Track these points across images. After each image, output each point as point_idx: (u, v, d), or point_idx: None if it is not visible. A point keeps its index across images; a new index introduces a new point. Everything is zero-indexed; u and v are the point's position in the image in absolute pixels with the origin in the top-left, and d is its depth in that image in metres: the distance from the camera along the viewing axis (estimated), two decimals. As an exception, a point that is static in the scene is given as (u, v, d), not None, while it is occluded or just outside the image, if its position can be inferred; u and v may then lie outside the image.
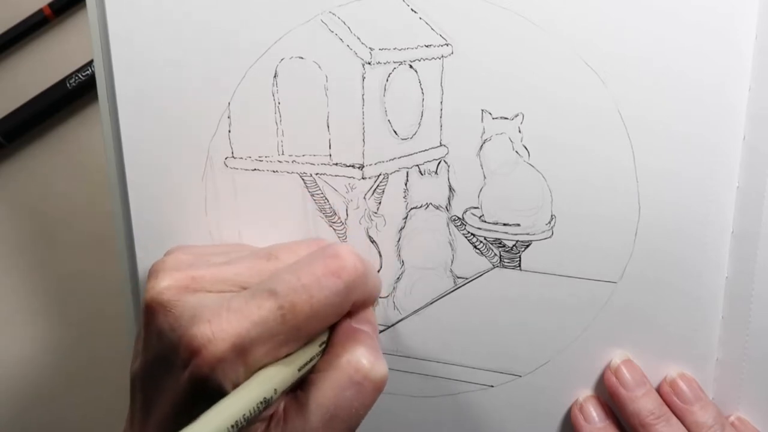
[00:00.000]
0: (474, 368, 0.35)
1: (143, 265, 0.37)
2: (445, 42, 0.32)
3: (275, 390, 0.26)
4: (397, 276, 0.35)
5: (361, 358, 0.27)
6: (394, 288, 0.35)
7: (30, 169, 0.50)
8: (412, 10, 0.32)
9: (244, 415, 0.25)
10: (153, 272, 0.29)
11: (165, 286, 0.28)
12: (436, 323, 0.35)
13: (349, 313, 0.29)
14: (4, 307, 0.51)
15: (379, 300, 0.34)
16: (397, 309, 0.35)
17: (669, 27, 0.30)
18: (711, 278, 0.32)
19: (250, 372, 0.26)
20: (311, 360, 0.28)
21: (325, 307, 0.26)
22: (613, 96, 0.31)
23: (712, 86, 0.30)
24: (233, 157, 0.35)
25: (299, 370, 0.27)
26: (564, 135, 0.32)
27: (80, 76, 0.48)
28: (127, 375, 0.30)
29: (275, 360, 0.26)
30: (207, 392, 0.25)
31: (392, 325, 0.36)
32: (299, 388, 0.28)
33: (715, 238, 0.32)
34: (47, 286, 0.51)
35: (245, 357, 0.25)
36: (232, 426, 0.24)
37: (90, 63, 0.48)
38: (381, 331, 0.36)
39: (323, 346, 0.28)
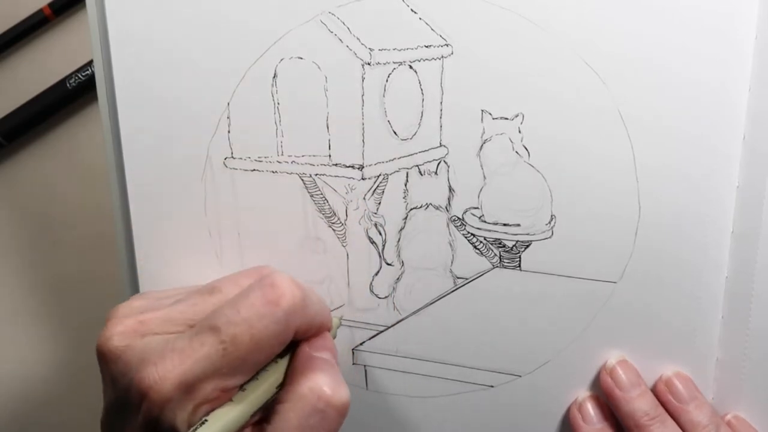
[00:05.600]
0: (474, 368, 0.35)
1: (143, 265, 0.37)
2: (444, 42, 0.32)
3: None
4: (397, 276, 0.35)
5: (322, 386, 0.27)
6: (394, 288, 0.35)
7: (30, 169, 0.50)
8: (411, 10, 0.32)
9: None
10: (106, 320, 0.30)
11: (113, 332, 0.29)
12: (436, 323, 0.35)
13: (308, 341, 0.29)
14: (3, 308, 0.51)
15: (340, 323, 0.34)
16: (397, 309, 0.35)
17: (669, 27, 0.30)
18: (711, 278, 0.32)
19: (199, 407, 0.26)
20: (272, 391, 0.28)
21: (266, 337, 0.27)
22: (613, 96, 0.31)
23: (712, 86, 0.30)
24: (233, 157, 0.35)
25: (259, 403, 0.28)
26: (564, 135, 0.32)
27: (80, 76, 0.48)
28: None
29: (226, 393, 0.27)
30: None
31: (392, 326, 0.36)
32: (264, 421, 0.28)
33: (715, 238, 0.32)
34: (47, 286, 0.51)
35: (192, 394, 0.26)
36: None
37: (90, 63, 0.48)
38: (381, 332, 0.36)
39: (282, 378, 0.29)
